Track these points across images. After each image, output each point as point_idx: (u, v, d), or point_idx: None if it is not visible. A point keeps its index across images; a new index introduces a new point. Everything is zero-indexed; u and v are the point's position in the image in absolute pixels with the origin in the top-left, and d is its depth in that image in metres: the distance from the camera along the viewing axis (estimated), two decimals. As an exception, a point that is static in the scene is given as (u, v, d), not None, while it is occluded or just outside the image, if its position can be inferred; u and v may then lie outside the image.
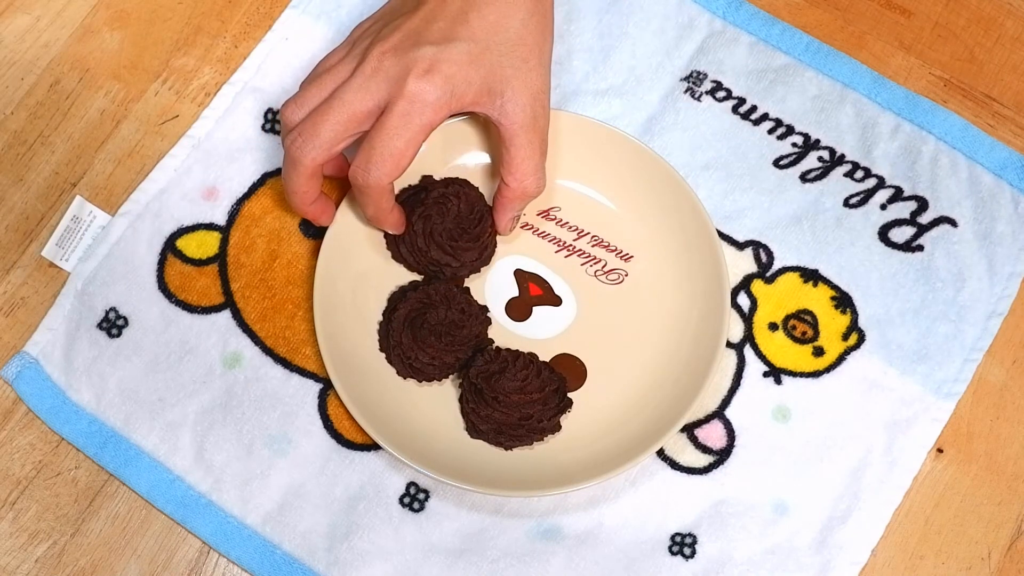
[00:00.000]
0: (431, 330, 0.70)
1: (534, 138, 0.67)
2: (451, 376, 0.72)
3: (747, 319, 0.74)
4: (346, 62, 0.67)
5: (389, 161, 0.65)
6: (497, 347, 0.72)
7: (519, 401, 0.68)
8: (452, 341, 0.70)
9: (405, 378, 0.72)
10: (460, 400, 0.71)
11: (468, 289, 0.73)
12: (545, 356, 0.72)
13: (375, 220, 0.70)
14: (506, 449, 0.70)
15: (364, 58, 0.65)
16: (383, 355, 0.72)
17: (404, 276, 0.74)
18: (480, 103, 0.66)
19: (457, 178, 0.74)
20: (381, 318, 0.73)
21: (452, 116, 0.69)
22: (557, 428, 0.70)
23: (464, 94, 0.65)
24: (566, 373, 0.72)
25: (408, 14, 0.66)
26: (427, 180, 0.74)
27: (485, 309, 0.73)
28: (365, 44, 0.67)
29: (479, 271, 0.74)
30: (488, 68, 0.65)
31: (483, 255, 0.73)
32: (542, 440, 0.70)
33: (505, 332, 0.73)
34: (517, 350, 0.71)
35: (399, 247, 0.73)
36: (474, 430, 0.70)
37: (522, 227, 0.75)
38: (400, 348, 0.70)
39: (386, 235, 0.74)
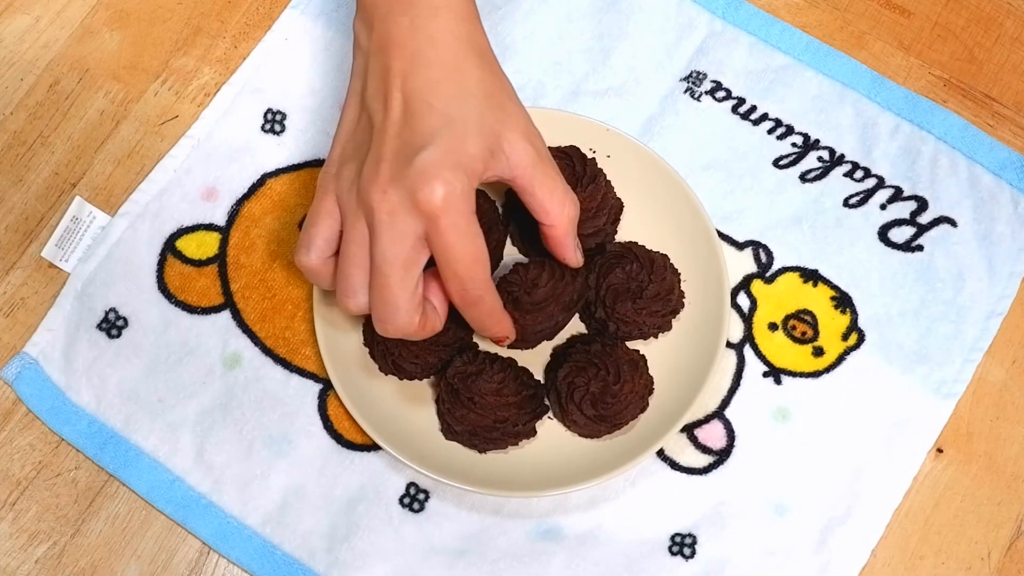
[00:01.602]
0: None
1: (548, 169, 0.64)
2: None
3: (747, 319, 0.74)
4: (351, 222, 0.62)
5: (476, 264, 0.61)
6: (476, 349, 0.71)
7: (495, 404, 0.68)
8: (436, 341, 0.69)
9: (386, 374, 0.71)
10: (436, 401, 0.71)
11: None
12: (544, 357, 0.72)
13: (486, 327, 0.65)
14: (480, 452, 0.70)
15: (369, 208, 0.60)
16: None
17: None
18: (490, 168, 0.62)
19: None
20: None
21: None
22: (532, 433, 0.70)
23: (475, 168, 0.61)
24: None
25: (376, 140, 0.61)
26: None
27: None
28: (354, 194, 0.61)
29: None
30: (478, 135, 0.61)
31: None
32: (516, 444, 0.70)
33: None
34: (496, 354, 0.70)
35: None
36: (449, 431, 0.70)
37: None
38: (383, 344, 0.70)
39: None
